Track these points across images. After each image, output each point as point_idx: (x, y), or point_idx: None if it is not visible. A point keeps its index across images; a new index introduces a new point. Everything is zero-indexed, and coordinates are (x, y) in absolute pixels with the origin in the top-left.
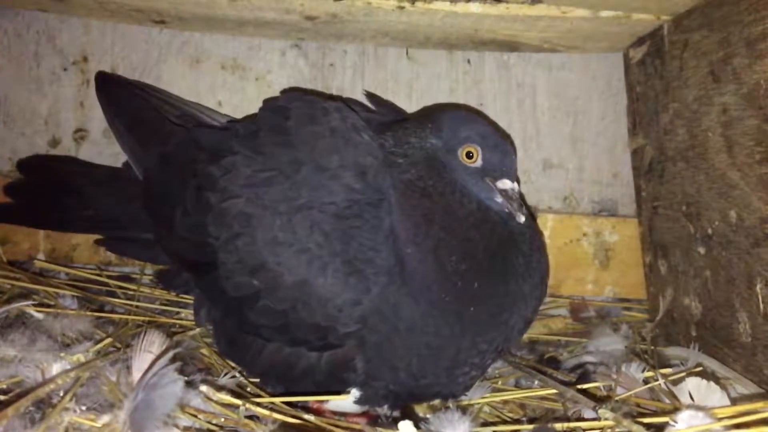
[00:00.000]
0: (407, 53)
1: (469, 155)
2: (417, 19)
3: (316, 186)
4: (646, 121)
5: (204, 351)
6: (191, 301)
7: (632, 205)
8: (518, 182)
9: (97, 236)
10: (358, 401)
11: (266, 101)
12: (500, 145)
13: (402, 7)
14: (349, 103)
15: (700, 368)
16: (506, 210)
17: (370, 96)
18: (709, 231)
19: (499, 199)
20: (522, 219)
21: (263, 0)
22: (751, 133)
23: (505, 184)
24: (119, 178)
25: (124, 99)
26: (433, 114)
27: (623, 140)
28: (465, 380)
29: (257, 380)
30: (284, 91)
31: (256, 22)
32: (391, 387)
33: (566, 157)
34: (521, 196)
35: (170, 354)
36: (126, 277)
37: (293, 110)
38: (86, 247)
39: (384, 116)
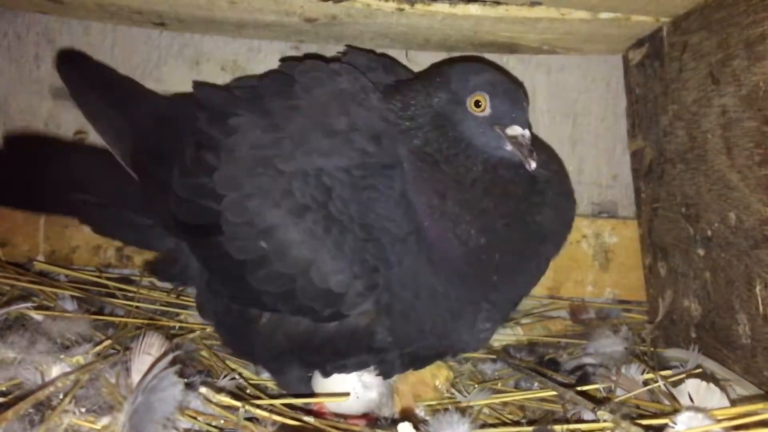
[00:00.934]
0: (407, 55)
1: (477, 104)
2: (416, 21)
3: (328, 150)
4: (645, 122)
5: (204, 353)
6: (191, 303)
7: (632, 206)
8: (530, 128)
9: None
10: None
11: (269, 72)
12: (509, 91)
13: (401, 9)
14: (354, 57)
15: (700, 370)
16: (516, 158)
17: (351, 54)
18: (709, 233)
19: (509, 147)
20: (533, 165)
21: (263, 2)
22: (751, 134)
23: (515, 130)
24: (103, 154)
25: (93, 71)
26: (442, 68)
27: (623, 142)
28: (486, 335)
29: (257, 382)
30: (284, 59)
31: (255, 24)
32: (408, 350)
33: (566, 158)
34: (535, 141)
35: (169, 356)
36: (126, 279)
37: (299, 73)
38: (86, 249)
39: (388, 77)
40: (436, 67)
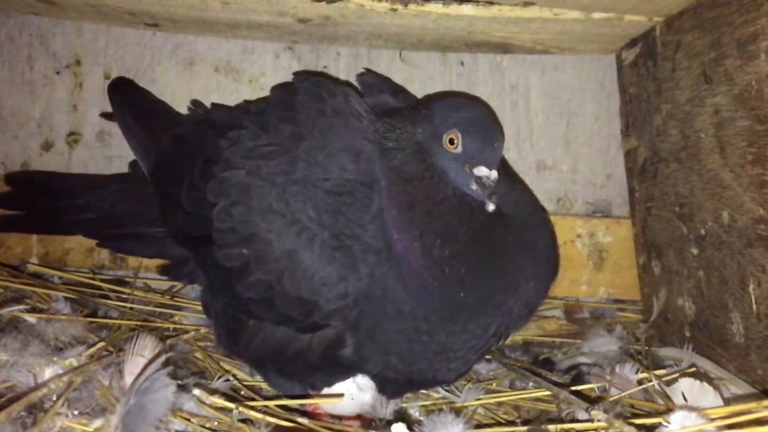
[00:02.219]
0: (400, 55)
1: (451, 141)
2: (410, 22)
3: (312, 162)
4: (639, 122)
5: (198, 354)
6: (185, 304)
7: (626, 206)
8: (499, 171)
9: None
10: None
11: (279, 85)
12: (481, 131)
13: (395, 10)
14: (363, 84)
15: (694, 369)
16: (479, 198)
17: (368, 75)
18: (702, 232)
19: (474, 186)
20: (491, 208)
21: (256, 3)
22: (743, 133)
23: (480, 171)
24: (118, 180)
25: (133, 95)
26: (431, 101)
27: (616, 141)
28: (458, 366)
29: (251, 384)
30: (297, 73)
31: (249, 25)
32: (376, 372)
33: (560, 158)
34: (509, 179)
35: (162, 358)
36: (120, 281)
37: (301, 88)
38: (80, 251)
39: (394, 101)
40: (429, 98)
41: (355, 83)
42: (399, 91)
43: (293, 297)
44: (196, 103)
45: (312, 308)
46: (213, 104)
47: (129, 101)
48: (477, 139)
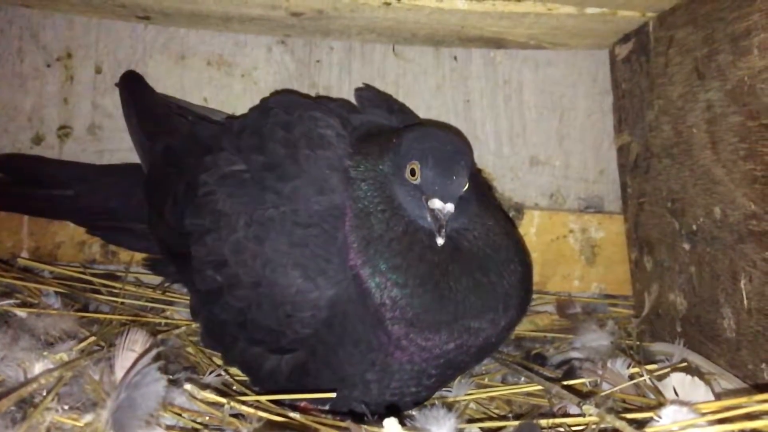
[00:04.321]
0: (394, 50)
1: (412, 172)
2: (403, 16)
3: (280, 194)
4: (631, 117)
5: (189, 349)
6: (177, 299)
7: (618, 201)
8: (454, 203)
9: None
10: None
11: (261, 101)
12: (440, 164)
13: (388, 4)
14: (360, 98)
15: (685, 364)
16: (432, 229)
17: (367, 90)
18: (694, 227)
19: (429, 218)
20: (439, 242)
21: None
22: (736, 129)
23: (434, 204)
24: (113, 173)
25: (138, 92)
26: (406, 130)
27: (609, 137)
28: (416, 398)
29: (243, 379)
30: (275, 93)
31: (241, 18)
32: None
33: (553, 153)
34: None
35: (153, 353)
36: (111, 275)
37: (272, 113)
38: (71, 245)
39: (388, 119)
40: (410, 122)
41: (353, 96)
42: (397, 109)
43: (263, 324)
44: (189, 112)
45: (279, 336)
46: (200, 117)
47: (134, 98)
48: (435, 171)
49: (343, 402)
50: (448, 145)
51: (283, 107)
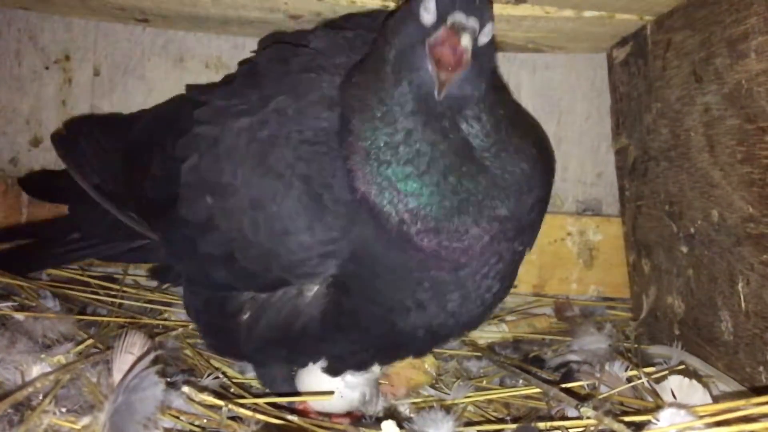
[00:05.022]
0: None
1: (426, 7)
2: None
3: (284, 117)
4: (629, 120)
5: (187, 351)
6: (175, 301)
7: (616, 204)
8: (478, 19)
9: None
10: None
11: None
12: None
13: (386, 6)
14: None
15: (683, 366)
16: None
17: (327, 33)
18: (692, 230)
19: (431, 66)
20: (440, 95)
21: None
22: (733, 132)
23: (454, 17)
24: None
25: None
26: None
27: (607, 140)
28: (483, 308)
29: (241, 381)
30: (262, 39)
31: (239, 21)
32: (369, 350)
33: None
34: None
35: (151, 355)
36: (109, 278)
37: (264, 55)
38: None
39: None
40: None
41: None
42: (359, 45)
43: (255, 248)
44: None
45: (272, 263)
46: (188, 85)
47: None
48: None
49: (399, 328)
50: None
51: (274, 48)
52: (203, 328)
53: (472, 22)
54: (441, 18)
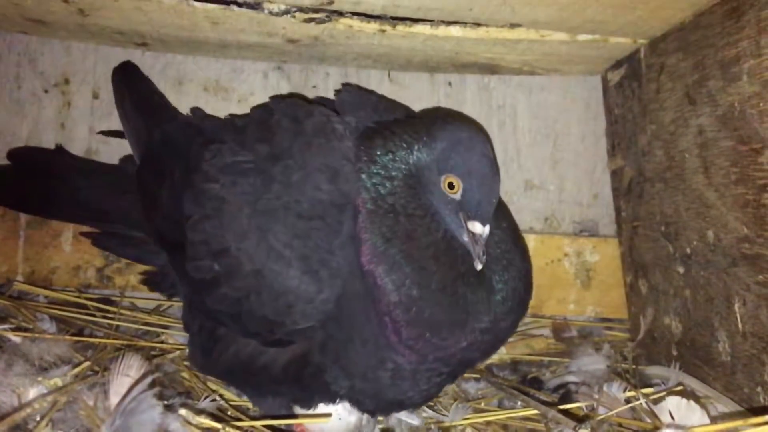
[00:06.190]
0: (389, 76)
1: (450, 186)
2: (398, 42)
3: (287, 183)
4: (624, 142)
5: (184, 374)
6: (172, 323)
7: (612, 225)
8: (490, 224)
9: (84, 227)
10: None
11: (263, 103)
12: (483, 184)
13: (383, 31)
14: (342, 102)
15: (681, 387)
16: (468, 250)
17: (347, 92)
18: (688, 251)
19: (466, 238)
20: (479, 266)
21: (245, 23)
22: (727, 153)
23: (475, 227)
24: (110, 173)
25: (134, 80)
26: (435, 123)
27: (603, 161)
28: (426, 395)
29: (238, 404)
30: (272, 98)
31: (238, 45)
32: (357, 396)
33: (547, 178)
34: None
35: (149, 378)
36: (106, 300)
37: (278, 110)
38: (66, 270)
39: (377, 115)
40: (431, 113)
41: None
42: (383, 109)
43: (259, 315)
44: (195, 110)
45: (276, 327)
46: (205, 114)
47: (128, 85)
48: (480, 194)
49: (353, 393)
50: (489, 163)
51: (287, 104)
52: (192, 347)
53: (487, 230)
54: (468, 209)
